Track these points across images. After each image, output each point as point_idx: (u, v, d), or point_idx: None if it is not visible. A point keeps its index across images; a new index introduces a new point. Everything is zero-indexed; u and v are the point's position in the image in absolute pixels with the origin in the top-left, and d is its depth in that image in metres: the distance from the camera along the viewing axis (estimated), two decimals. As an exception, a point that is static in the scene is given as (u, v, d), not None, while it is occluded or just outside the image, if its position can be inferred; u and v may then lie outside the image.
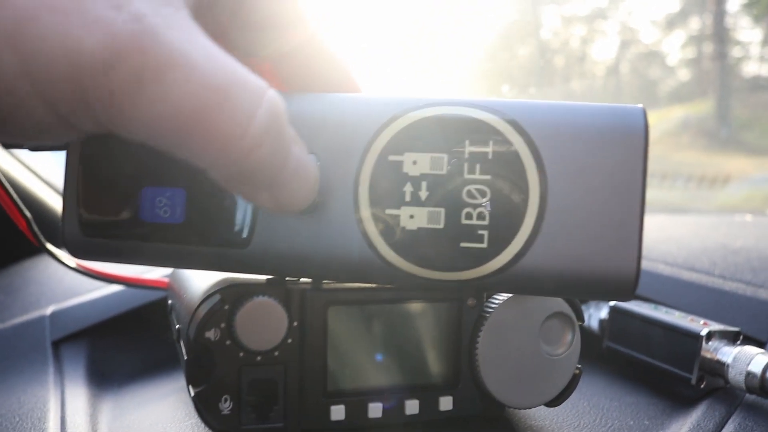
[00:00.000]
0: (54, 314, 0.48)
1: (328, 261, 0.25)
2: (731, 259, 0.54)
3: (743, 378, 0.36)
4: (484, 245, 0.24)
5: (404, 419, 0.30)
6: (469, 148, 0.24)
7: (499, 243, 0.24)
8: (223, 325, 0.27)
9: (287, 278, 0.29)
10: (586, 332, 0.47)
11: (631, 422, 0.35)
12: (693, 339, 0.38)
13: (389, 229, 0.25)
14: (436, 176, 0.24)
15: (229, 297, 0.27)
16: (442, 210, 0.24)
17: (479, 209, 0.24)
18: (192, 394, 0.28)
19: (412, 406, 0.30)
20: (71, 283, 0.53)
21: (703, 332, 0.38)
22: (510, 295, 0.29)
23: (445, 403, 0.30)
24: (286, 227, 0.25)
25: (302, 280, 0.29)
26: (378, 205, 0.25)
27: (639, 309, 0.42)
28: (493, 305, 0.29)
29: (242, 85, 0.18)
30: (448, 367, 0.30)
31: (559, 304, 0.30)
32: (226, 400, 0.27)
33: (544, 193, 0.24)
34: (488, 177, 0.24)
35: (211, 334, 0.27)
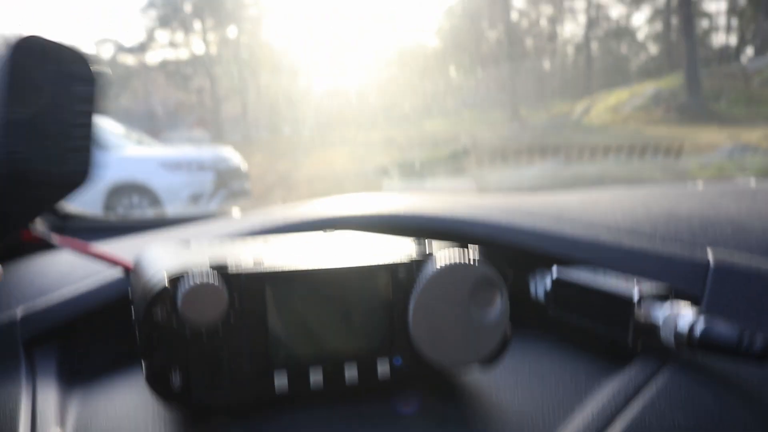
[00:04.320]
0: (24, 315, 0.49)
1: None
2: (673, 224, 0.56)
3: (673, 336, 0.39)
4: None
5: (344, 387, 0.32)
6: None
7: None
8: (169, 304, 0.29)
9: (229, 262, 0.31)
10: (533, 303, 0.49)
11: (569, 379, 0.38)
12: (626, 303, 0.41)
13: None
14: None
15: (174, 280, 0.30)
16: None
17: None
18: (144, 371, 0.30)
19: (351, 372, 0.32)
20: (40, 285, 0.55)
21: (635, 297, 0.41)
22: (439, 265, 0.32)
23: (383, 367, 0.33)
24: None
25: (243, 262, 0.31)
26: None
27: (578, 277, 0.45)
28: (423, 275, 0.32)
29: None
30: (384, 333, 0.33)
31: (487, 269, 0.33)
32: (176, 376, 0.30)
33: None
34: None
35: (158, 314, 0.29)
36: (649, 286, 0.43)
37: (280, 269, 0.31)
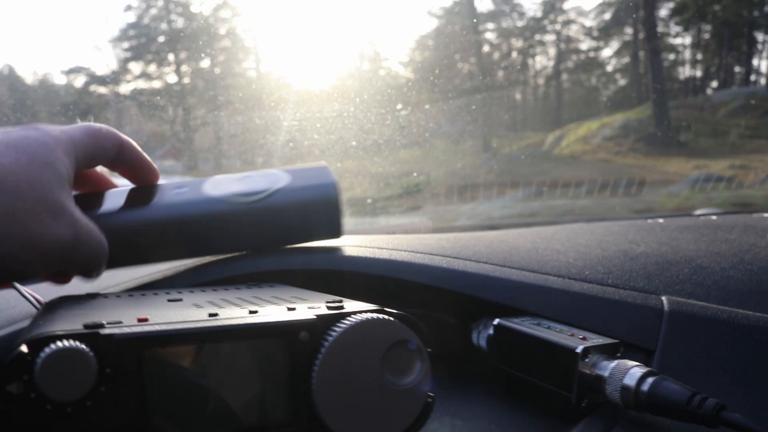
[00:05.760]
0: None
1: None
2: (628, 266, 0.53)
3: (619, 393, 0.35)
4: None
5: None
6: None
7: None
8: (26, 377, 0.25)
9: (105, 323, 0.27)
10: (476, 351, 0.46)
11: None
12: (570, 356, 0.37)
13: None
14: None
15: (33, 346, 0.25)
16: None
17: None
18: None
19: None
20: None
21: (579, 349, 0.37)
22: (347, 326, 0.28)
23: None
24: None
25: (118, 324, 0.27)
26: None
27: (521, 327, 0.41)
28: (329, 337, 0.28)
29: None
30: (284, 405, 0.29)
31: (404, 331, 0.29)
32: None
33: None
34: None
35: (13, 388, 0.25)
36: (597, 337, 0.39)
37: (161, 329, 0.27)
